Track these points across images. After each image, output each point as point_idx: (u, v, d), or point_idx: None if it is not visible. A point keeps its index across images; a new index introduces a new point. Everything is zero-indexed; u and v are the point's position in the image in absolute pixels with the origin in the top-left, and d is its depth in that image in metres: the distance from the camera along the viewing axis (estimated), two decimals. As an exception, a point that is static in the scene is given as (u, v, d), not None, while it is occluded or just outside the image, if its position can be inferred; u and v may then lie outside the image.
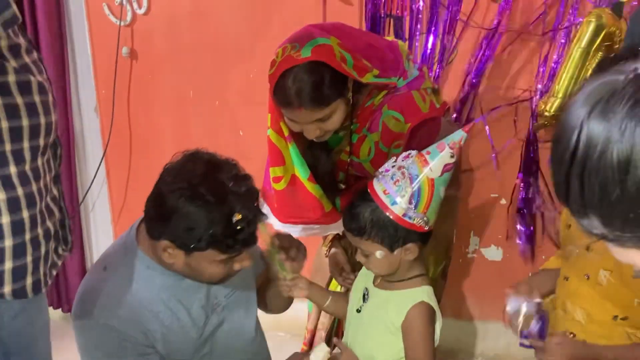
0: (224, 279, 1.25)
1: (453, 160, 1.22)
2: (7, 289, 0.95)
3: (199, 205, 1.11)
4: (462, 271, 2.20)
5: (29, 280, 0.98)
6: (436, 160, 1.21)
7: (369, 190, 1.24)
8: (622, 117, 0.50)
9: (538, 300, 1.27)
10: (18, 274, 0.96)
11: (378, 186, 1.23)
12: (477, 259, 2.23)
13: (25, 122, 0.95)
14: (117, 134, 2.34)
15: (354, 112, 1.48)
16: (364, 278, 1.40)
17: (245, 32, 2.14)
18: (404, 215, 1.20)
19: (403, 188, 1.20)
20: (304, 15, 2.00)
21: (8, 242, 0.94)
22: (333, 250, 1.72)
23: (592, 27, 1.74)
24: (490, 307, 2.25)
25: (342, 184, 1.68)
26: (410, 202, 1.20)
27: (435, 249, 1.74)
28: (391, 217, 1.20)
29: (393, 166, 1.24)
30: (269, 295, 1.50)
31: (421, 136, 1.48)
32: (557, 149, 0.56)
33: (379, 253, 1.25)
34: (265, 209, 1.61)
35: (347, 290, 1.73)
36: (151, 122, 2.33)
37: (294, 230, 1.63)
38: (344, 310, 1.43)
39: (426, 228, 1.23)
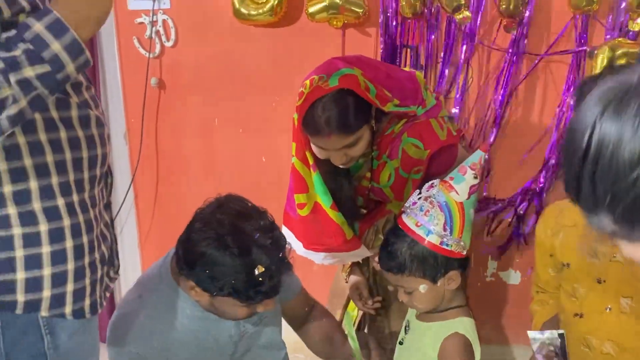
0: (247, 317, 1.30)
1: (477, 181, 1.25)
2: (68, 309, 1.02)
3: (223, 255, 1.16)
4: (480, 295, 2.22)
5: (87, 302, 1.04)
6: (461, 184, 1.24)
7: (400, 226, 1.26)
8: (634, 115, 0.50)
9: (560, 331, 1.26)
10: (78, 295, 1.03)
11: (409, 220, 1.25)
12: (496, 282, 2.25)
13: (85, 153, 1.02)
14: (145, 160, 2.43)
15: (374, 139, 1.54)
16: (410, 310, 1.42)
17: (267, 63, 2.22)
18: (441, 243, 1.22)
19: (435, 217, 1.22)
20: (324, 47, 2.08)
21: (70, 266, 1.01)
22: (352, 276, 1.77)
23: (603, 61, 1.80)
24: (509, 330, 2.27)
25: (362, 208, 1.73)
26: (444, 229, 1.22)
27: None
28: (429, 247, 1.21)
29: (419, 198, 1.27)
30: (314, 334, 1.54)
31: (439, 162, 1.53)
32: (568, 148, 0.56)
33: (422, 287, 1.25)
34: (287, 233, 1.67)
35: (373, 321, 1.78)
36: (178, 149, 2.41)
37: (316, 258, 1.68)
38: None
39: (464, 253, 1.24)
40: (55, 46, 0.87)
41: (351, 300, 1.78)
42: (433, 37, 2.02)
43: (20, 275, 0.97)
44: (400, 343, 1.39)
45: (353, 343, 1.35)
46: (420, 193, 1.28)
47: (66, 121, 1.00)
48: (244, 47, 2.23)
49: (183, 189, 2.42)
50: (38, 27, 0.86)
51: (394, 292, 1.48)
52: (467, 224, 1.24)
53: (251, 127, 2.31)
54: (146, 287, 1.34)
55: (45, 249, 0.98)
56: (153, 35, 2.29)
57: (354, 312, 1.80)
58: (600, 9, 1.88)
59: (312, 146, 1.50)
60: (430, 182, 1.29)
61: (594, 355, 1.28)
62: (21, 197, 0.95)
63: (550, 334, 1.25)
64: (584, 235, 1.26)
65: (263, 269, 1.16)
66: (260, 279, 1.16)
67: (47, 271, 0.98)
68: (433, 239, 1.21)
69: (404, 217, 1.27)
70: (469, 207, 1.24)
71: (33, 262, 0.97)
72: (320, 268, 1.81)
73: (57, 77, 0.88)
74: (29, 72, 0.86)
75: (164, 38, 2.29)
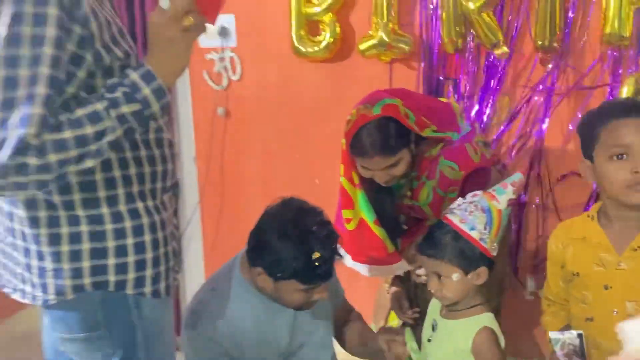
0: (305, 305, 1.49)
1: (515, 196, 1.43)
2: (148, 289, 1.25)
3: (286, 243, 1.38)
4: (519, 312, 2.34)
5: (162, 285, 1.27)
6: (502, 196, 1.41)
7: (445, 221, 1.43)
8: None
9: (579, 331, 1.39)
10: (155, 279, 1.26)
11: (454, 217, 1.41)
12: (535, 301, 2.36)
13: (159, 168, 1.27)
14: (211, 181, 2.69)
15: (414, 161, 1.71)
16: (432, 310, 1.56)
17: (321, 95, 2.44)
18: (480, 239, 1.38)
19: (478, 217, 1.39)
20: (373, 79, 2.28)
21: (149, 255, 1.25)
22: (393, 288, 1.94)
23: (630, 92, 1.93)
24: (546, 346, 2.37)
25: (404, 225, 1.91)
26: (485, 229, 1.39)
27: (487, 287, 1.92)
28: (470, 240, 1.38)
29: (463, 202, 1.43)
30: (351, 335, 1.73)
31: (473, 183, 1.67)
32: None
33: (455, 276, 1.40)
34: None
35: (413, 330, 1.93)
36: (241, 171, 2.65)
37: (362, 269, 1.87)
38: None
39: (494, 254, 1.41)
40: (146, 91, 1.11)
41: (392, 311, 1.96)
42: (473, 70, 2.20)
43: (111, 261, 1.20)
44: (429, 341, 1.53)
45: (416, 355, 1.53)
46: (464, 199, 1.45)
47: (145, 142, 1.24)
48: (301, 80, 2.46)
49: (244, 208, 2.66)
50: (134, 75, 1.12)
51: None
52: (501, 230, 1.42)
53: (306, 152, 2.52)
54: (218, 281, 1.56)
55: (130, 241, 1.21)
56: (221, 69, 2.57)
57: (394, 322, 1.97)
58: (630, 44, 2.02)
59: (358, 166, 1.70)
60: (473, 192, 1.46)
61: (604, 355, 1.37)
62: (112, 200, 1.19)
63: (570, 334, 1.37)
64: (593, 247, 1.43)
65: (319, 255, 1.37)
66: (316, 263, 1.37)
67: (131, 258, 1.22)
68: (474, 234, 1.38)
69: (448, 215, 1.43)
70: (505, 216, 1.42)
71: (121, 251, 1.21)
72: (365, 280, 1.99)
73: (145, 114, 1.13)
74: (125, 109, 1.10)
75: (230, 72, 2.56)
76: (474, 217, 1.40)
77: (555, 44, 2.08)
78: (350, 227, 1.80)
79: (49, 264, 1.19)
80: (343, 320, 1.74)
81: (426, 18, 2.21)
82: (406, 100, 1.67)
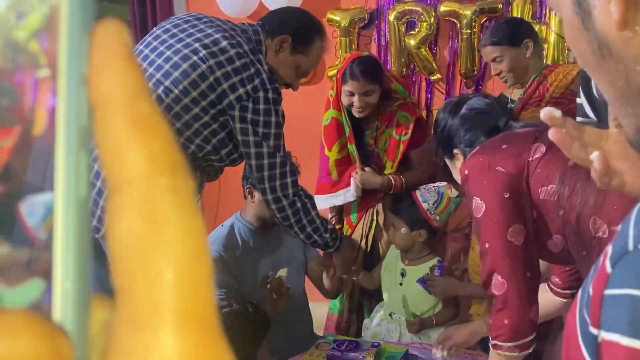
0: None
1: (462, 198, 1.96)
2: None
3: None
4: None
5: None
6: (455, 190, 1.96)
7: (412, 194, 2.01)
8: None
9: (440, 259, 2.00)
10: None
11: (417, 192, 1.99)
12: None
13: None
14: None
15: (379, 114, 2.32)
16: (393, 262, 2.09)
17: (300, 108, 3.11)
18: (427, 210, 1.94)
19: (432, 196, 1.95)
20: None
21: None
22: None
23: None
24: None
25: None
26: (433, 205, 1.94)
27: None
28: (420, 208, 1.95)
29: (429, 185, 2.01)
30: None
31: (419, 129, 2.30)
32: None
33: (403, 230, 1.97)
34: (317, 197, 2.29)
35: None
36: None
37: (336, 201, 2.39)
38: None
39: (435, 224, 1.97)
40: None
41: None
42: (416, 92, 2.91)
43: None
44: (400, 284, 2.02)
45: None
46: (434, 185, 2.01)
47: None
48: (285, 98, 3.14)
49: (239, 198, 3.29)
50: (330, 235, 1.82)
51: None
52: (447, 211, 1.98)
53: (290, 150, 3.18)
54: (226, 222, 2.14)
55: None
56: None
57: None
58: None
59: (343, 95, 2.24)
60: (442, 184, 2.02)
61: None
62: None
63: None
64: None
65: None
66: None
67: None
68: (425, 206, 1.96)
69: (417, 192, 1.97)
70: (453, 202, 1.98)
71: None
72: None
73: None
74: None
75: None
76: (429, 195, 1.98)
77: (473, 72, 2.79)
78: (339, 155, 2.37)
79: None
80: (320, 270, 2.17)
81: (378, 52, 2.90)
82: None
